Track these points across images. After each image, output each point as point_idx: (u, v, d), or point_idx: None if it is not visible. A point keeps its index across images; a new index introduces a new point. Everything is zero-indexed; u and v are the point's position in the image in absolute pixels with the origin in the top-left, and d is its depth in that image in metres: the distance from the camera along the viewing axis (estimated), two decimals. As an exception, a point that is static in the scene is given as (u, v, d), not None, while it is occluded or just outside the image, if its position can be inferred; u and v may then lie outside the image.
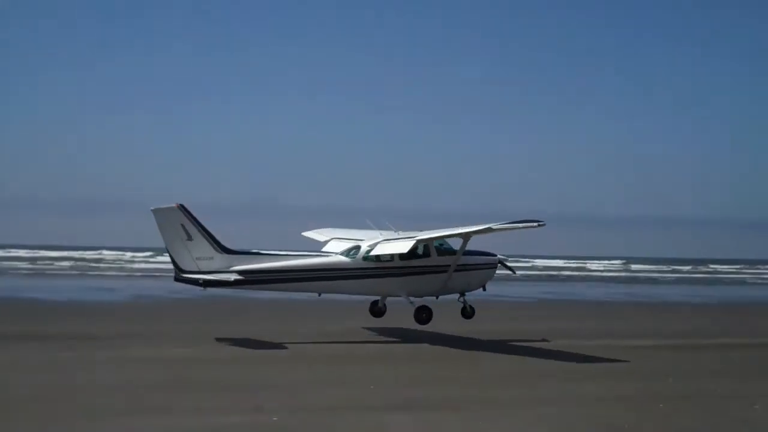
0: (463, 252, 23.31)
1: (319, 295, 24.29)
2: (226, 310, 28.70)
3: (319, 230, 28.53)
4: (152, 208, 22.07)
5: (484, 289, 24.92)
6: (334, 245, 25.77)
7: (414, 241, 22.77)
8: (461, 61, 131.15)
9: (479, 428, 11.88)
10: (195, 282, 21.98)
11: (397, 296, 23.76)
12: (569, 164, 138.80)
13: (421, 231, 24.13)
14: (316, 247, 25.95)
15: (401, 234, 24.24)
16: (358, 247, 23.71)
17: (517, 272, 30.42)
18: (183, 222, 21.68)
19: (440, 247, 23.70)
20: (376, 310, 24.80)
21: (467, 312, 24.50)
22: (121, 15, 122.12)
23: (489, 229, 22.13)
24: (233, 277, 21.87)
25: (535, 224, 21.65)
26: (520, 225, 22.18)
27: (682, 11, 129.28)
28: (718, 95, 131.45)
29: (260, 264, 22.54)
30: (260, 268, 22.41)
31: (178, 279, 22.49)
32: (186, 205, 21.79)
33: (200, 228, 21.91)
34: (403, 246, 22.65)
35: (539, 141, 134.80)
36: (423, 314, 23.61)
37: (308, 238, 28.21)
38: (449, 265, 23.16)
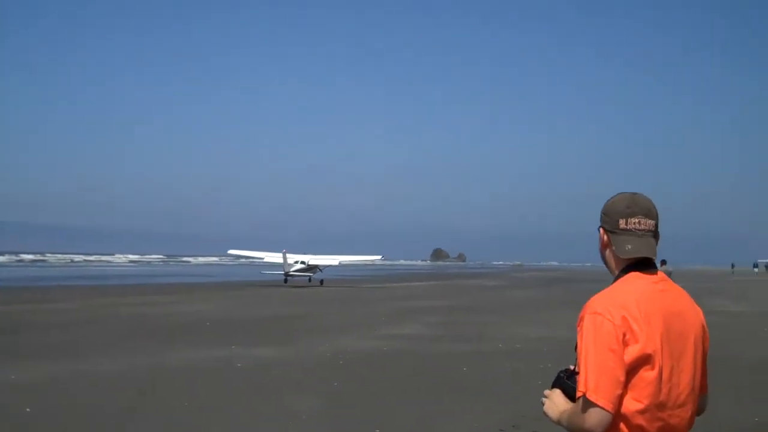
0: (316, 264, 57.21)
1: (285, 281, 54.38)
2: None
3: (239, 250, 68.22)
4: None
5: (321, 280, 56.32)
6: (271, 258, 59.57)
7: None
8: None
9: None
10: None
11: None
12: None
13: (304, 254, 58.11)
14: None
15: (288, 255, 55.09)
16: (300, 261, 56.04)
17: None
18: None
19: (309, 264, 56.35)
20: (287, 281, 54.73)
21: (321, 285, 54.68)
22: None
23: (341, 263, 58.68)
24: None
25: (379, 258, 57.23)
26: (363, 259, 62.40)
27: None
28: None
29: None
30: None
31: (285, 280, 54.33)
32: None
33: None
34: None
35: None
36: (321, 282, 55.76)
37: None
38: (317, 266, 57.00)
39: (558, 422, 3.23)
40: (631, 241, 3.25)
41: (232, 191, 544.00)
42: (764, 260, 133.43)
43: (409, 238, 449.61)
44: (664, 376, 3.06)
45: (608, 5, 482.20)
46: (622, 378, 3.00)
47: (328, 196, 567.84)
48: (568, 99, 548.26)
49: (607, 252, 3.36)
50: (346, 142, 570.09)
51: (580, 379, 3.03)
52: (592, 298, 3.18)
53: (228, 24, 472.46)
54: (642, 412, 3.04)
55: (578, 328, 3.16)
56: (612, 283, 3.29)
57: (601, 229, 3.38)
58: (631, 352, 3.02)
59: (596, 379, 2.98)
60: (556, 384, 3.34)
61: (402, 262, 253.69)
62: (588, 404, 2.98)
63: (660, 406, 3.07)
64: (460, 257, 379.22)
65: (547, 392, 3.33)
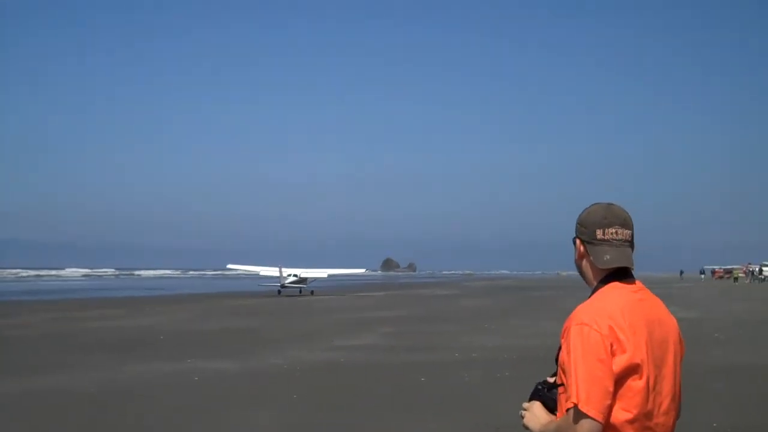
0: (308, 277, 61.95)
1: (279, 293, 58.98)
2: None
3: (237, 265, 72.76)
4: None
5: (311, 291, 60.72)
6: (266, 272, 65.73)
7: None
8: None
9: None
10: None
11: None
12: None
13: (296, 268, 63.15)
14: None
15: (283, 269, 61.18)
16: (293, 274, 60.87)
17: None
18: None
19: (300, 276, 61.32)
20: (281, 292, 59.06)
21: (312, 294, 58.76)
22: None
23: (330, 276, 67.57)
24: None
25: (363, 270, 74.57)
26: (349, 272, 76.06)
27: None
28: None
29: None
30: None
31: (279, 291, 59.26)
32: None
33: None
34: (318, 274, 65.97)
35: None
36: (311, 292, 59.64)
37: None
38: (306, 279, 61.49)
39: None
40: (609, 252, 3.28)
41: (181, 203, 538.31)
42: (710, 266, 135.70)
43: (359, 248, 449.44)
44: (650, 384, 3.10)
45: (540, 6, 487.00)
46: (611, 388, 3.02)
47: (274, 206, 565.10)
48: (518, 108, 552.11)
49: (584, 262, 3.39)
50: (295, 151, 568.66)
51: (571, 391, 3.03)
52: (577, 309, 3.20)
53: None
54: (631, 422, 3.07)
55: (562, 340, 3.18)
56: (591, 294, 3.31)
57: (578, 240, 3.40)
58: (619, 362, 3.05)
59: (587, 390, 2.99)
60: (535, 396, 3.35)
61: (351, 271, 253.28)
62: (580, 415, 2.99)
63: (648, 415, 3.10)
64: (410, 267, 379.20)
65: (526, 405, 3.34)
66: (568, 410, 3.06)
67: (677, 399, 3.26)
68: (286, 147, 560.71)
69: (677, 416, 3.30)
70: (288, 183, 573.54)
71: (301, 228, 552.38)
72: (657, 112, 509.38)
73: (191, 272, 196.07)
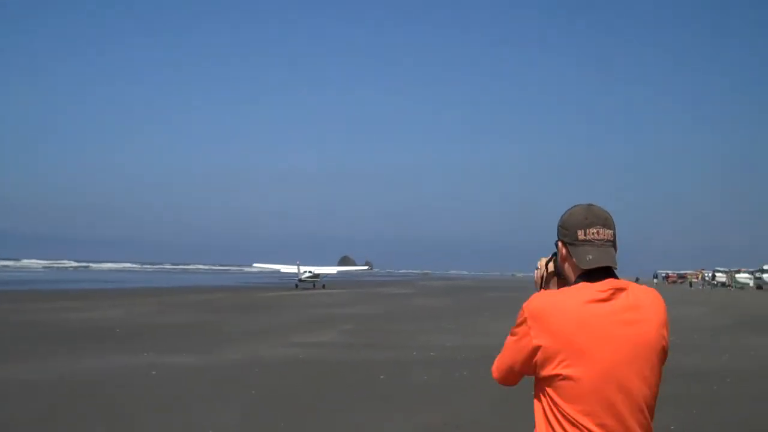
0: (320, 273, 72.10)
1: (296, 286, 68.36)
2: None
3: (262, 264, 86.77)
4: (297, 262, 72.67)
5: (323, 285, 70.21)
6: (285, 269, 76.90)
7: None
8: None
9: None
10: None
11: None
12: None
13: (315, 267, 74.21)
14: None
15: (300, 265, 71.28)
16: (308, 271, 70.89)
17: None
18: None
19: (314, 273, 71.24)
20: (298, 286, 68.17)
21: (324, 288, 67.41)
22: None
23: (339, 272, 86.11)
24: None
25: (366, 268, 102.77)
26: (355, 269, 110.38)
27: None
28: None
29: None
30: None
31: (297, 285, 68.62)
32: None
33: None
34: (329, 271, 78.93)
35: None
36: (323, 286, 69.35)
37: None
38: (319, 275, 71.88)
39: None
40: (591, 252, 3.26)
41: (139, 196, 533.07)
42: (662, 271, 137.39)
43: (316, 245, 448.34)
44: (591, 381, 3.09)
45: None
46: (517, 367, 3.31)
47: (232, 201, 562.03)
48: (475, 107, 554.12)
49: (566, 265, 3.39)
50: (252, 146, 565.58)
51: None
52: (536, 294, 3.29)
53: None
54: (583, 414, 3.11)
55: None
56: None
57: (560, 243, 3.40)
58: (543, 351, 3.15)
59: (500, 359, 3.41)
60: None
61: (355, 269, 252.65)
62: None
63: (592, 413, 3.11)
64: (367, 265, 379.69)
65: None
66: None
67: (639, 404, 3.18)
68: (241, 140, 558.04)
69: (643, 425, 3.20)
70: (245, 177, 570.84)
71: (255, 223, 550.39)
72: (603, 115, 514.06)
73: (151, 266, 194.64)
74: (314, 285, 70.04)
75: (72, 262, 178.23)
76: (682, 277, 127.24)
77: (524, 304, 3.24)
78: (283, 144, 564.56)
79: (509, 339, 3.31)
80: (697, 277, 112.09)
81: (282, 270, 78.82)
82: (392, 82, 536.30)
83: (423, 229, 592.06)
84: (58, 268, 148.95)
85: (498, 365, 3.43)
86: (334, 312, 34.57)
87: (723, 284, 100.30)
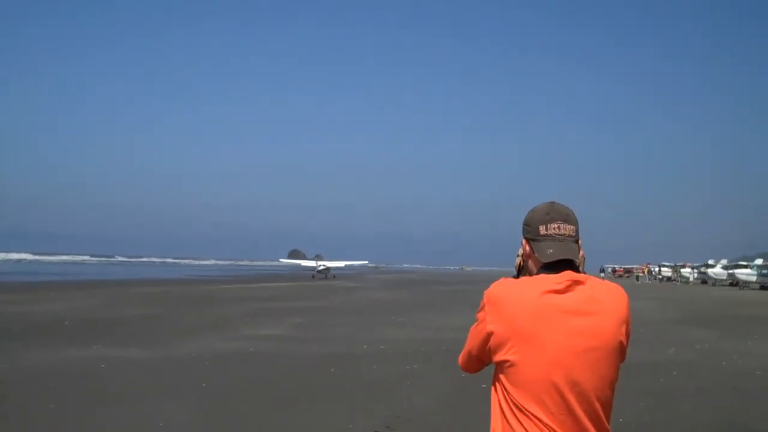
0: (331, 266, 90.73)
1: (313, 277, 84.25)
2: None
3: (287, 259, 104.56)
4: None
5: (334, 275, 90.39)
6: (306, 263, 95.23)
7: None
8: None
9: None
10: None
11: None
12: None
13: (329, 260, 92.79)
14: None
15: (319, 262, 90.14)
16: (323, 264, 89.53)
17: None
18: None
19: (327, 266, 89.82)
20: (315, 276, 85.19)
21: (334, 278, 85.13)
22: None
23: (350, 266, 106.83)
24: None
25: (365, 262, 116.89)
26: (358, 263, 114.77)
27: None
28: None
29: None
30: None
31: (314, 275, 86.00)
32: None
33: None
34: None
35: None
36: (333, 276, 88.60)
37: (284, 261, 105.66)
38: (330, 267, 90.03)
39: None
40: (552, 246, 3.33)
41: (92, 188, 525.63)
42: (609, 265, 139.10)
43: (265, 238, 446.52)
44: (542, 368, 3.15)
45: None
46: (475, 352, 3.42)
47: (183, 195, 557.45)
48: (429, 102, 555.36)
49: (530, 262, 3.46)
50: (201, 140, 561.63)
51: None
52: (496, 282, 3.35)
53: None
54: (531, 401, 3.17)
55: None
56: None
57: (524, 240, 3.48)
58: (494, 337, 3.24)
59: (466, 348, 3.50)
60: None
61: (258, 263, 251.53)
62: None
63: (542, 402, 3.16)
64: (318, 258, 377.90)
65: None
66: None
67: (588, 396, 3.21)
68: (182, 132, 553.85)
69: (593, 417, 3.23)
70: (196, 172, 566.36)
71: (204, 217, 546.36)
72: (556, 115, 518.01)
73: (103, 259, 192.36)
74: (326, 276, 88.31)
75: (28, 255, 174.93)
76: (628, 271, 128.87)
77: (486, 290, 3.31)
78: (236, 137, 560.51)
79: (473, 325, 3.40)
80: (644, 272, 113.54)
81: (303, 264, 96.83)
82: (343, 77, 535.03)
83: (373, 223, 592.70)
84: (14, 260, 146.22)
85: (462, 352, 3.54)
86: (284, 306, 34.46)
87: (668, 278, 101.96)
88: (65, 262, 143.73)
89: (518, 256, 3.64)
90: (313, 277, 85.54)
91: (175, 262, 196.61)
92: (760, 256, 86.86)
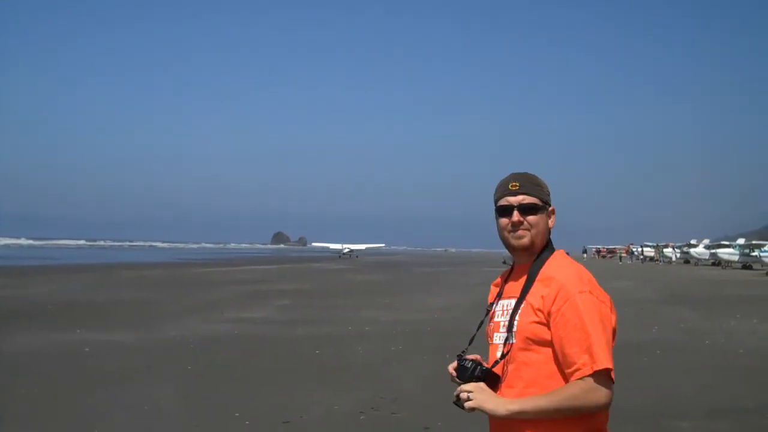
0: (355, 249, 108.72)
1: (339, 257, 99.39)
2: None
3: (320, 243, 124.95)
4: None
5: (357, 256, 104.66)
6: (334, 246, 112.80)
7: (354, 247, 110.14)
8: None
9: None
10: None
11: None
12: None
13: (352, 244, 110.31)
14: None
15: (344, 246, 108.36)
16: (347, 247, 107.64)
17: None
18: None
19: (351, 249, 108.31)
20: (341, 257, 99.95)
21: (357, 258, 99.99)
22: None
23: (368, 248, 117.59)
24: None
25: (382, 245, 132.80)
26: (374, 245, 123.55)
27: None
28: None
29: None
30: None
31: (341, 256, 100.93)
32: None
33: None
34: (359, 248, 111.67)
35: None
36: (356, 256, 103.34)
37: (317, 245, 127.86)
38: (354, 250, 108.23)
39: (510, 413, 3.05)
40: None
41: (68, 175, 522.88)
42: (591, 246, 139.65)
43: (249, 221, 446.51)
44: None
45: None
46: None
47: (163, 178, 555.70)
48: (407, 87, 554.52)
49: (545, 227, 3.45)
50: (184, 123, 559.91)
51: (596, 355, 2.99)
52: (566, 276, 3.23)
53: None
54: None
55: (554, 309, 3.13)
56: (543, 257, 3.38)
57: (550, 207, 3.49)
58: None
59: (609, 355, 3.02)
60: (471, 377, 3.17)
61: (242, 245, 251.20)
62: (606, 380, 2.99)
63: None
64: (301, 241, 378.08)
65: (469, 386, 3.15)
66: (585, 377, 2.97)
67: None
68: (167, 117, 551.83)
69: None
70: (177, 154, 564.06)
71: (190, 200, 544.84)
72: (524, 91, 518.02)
73: (87, 242, 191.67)
74: (350, 256, 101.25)
75: (22, 239, 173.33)
76: (611, 251, 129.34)
77: (602, 291, 3.28)
78: (221, 122, 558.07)
79: (606, 330, 3.14)
80: (626, 252, 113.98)
81: (331, 247, 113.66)
82: (328, 62, 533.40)
83: (358, 205, 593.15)
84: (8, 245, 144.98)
85: (607, 351, 3.08)
86: (268, 288, 34.41)
87: (651, 258, 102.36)
88: (59, 247, 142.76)
89: None
90: (340, 257, 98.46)
91: (162, 246, 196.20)
92: (741, 236, 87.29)
